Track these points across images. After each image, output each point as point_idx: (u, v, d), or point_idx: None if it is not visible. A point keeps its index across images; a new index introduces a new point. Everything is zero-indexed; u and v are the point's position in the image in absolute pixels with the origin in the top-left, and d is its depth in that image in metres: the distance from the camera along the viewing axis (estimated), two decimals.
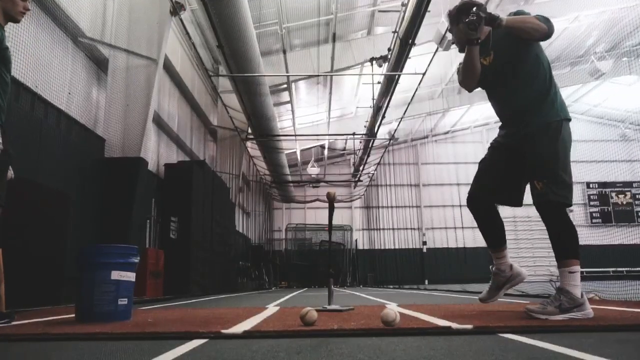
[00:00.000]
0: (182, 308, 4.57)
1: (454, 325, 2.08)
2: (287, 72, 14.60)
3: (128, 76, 8.15)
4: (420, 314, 2.88)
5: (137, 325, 2.46)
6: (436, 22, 11.57)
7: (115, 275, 2.72)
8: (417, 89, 13.53)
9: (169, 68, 11.37)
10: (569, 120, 2.84)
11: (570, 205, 2.73)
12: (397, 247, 26.85)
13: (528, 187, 2.91)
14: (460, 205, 28.16)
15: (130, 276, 2.82)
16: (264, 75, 12.52)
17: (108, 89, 8.03)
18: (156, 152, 10.75)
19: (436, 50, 11.71)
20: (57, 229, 5.56)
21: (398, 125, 18.03)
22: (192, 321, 2.68)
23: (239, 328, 2.24)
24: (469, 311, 3.07)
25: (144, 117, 8.03)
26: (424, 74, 12.19)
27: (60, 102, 6.77)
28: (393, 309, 2.15)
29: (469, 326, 2.06)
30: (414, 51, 11.66)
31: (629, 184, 27.64)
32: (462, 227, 27.39)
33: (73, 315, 2.98)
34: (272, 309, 3.92)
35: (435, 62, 12.06)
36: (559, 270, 2.66)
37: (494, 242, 3.04)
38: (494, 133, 3.10)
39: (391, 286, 18.92)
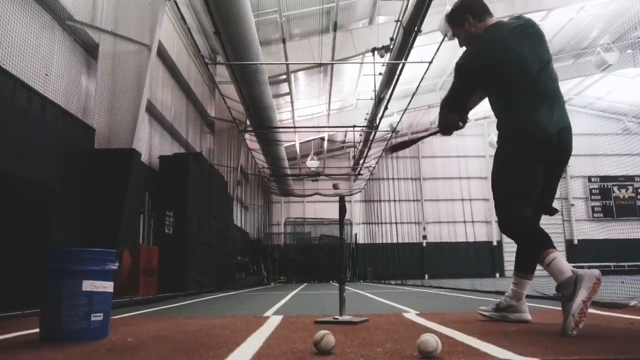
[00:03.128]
0: (172, 317, 4.11)
1: (516, 358, 1.62)
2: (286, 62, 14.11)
3: (120, 63, 7.63)
4: (455, 331, 2.42)
5: (112, 349, 2.00)
6: (440, 10, 11.06)
7: (88, 285, 2.24)
8: (422, 79, 13.04)
9: (163, 55, 10.87)
10: (520, 142, 2.65)
11: (514, 216, 2.59)
12: (397, 241, 26.46)
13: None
14: (465, 199, 27.81)
15: (107, 286, 2.34)
16: (263, 64, 12.03)
17: (98, 76, 7.53)
18: (150, 144, 10.28)
19: (442, 40, 11.19)
20: (41, 226, 5.09)
21: (401, 118, 17.55)
22: (180, 342, 2.22)
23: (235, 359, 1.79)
24: (511, 328, 2.60)
25: (137, 107, 7.54)
26: (430, 62, 11.71)
27: (46, 89, 6.28)
28: (433, 336, 1.70)
29: None
30: (416, 41, 11.16)
31: (630, 178, 27.33)
32: (466, 222, 27.01)
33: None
34: (273, 318, 3.46)
35: (438, 52, 11.57)
36: (546, 271, 2.41)
37: (520, 265, 2.99)
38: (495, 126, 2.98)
39: (392, 282, 18.49)
